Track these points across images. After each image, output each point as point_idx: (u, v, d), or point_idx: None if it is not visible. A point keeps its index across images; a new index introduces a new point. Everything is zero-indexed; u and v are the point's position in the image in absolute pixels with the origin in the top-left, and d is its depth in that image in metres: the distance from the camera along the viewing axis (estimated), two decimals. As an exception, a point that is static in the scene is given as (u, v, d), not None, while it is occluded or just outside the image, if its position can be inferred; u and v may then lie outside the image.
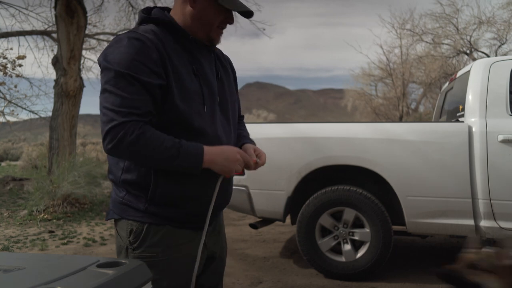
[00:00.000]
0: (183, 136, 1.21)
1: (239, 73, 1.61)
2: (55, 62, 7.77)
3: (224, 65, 1.45)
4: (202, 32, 1.29)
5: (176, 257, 1.28)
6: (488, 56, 13.84)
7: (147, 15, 1.30)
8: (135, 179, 1.26)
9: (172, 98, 1.20)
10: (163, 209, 1.26)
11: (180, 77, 1.22)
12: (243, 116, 1.65)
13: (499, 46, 14.12)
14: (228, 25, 1.33)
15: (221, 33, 1.33)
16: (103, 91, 1.16)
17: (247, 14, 1.28)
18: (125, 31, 1.31)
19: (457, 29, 14.74)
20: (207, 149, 1.21)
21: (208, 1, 1.25)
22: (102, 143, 1.16)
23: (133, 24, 11.25)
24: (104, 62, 1.17)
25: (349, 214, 3.15)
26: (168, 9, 1.36)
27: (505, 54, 13.79)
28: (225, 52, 1.54)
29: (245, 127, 1.61)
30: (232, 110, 1.40)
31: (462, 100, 3.19)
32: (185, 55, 1.27)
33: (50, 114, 8.09)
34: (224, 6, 1.24)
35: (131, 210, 1.28)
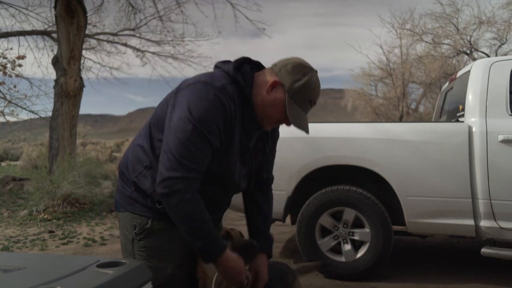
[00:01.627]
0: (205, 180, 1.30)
1: None
2: (55, 62, 7.77)
3: (266, 137, 1.52)
4: (259, 114, 1.36)
5: (178, 247, 1.36)
6: (488, 56, 13.83)
7: (236, 72, 1.33)
8: (146, 189, 1.34)
9: (216, 159, 1.30)
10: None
11: (231, 146, 1.32)
12: (272, 179, 1.68)
13: (499, 46, 14.12)
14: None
15: (275, 126, 1.45)
16: (176, 137, 1.21)
17: (302, 130, 1.38)
18: (212, 78, 1.30)
19: (457, 29, 14.74)
20: (226, 255, 1.29)
21: (280, 100, 1.32)
22: (157, 183, 1.23)
23: (133, 24, 11.24)
24: (188, 114, 1.22)
25: (349, 214, 3.15)
26: (260, 65, 1.42)
27: (505, 54, 13.79)
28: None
29: (269, 202, 1.65)
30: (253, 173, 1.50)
31: (462, 100, 3.19)
32: (241, 124, 1.35)
33: (50, 114, 8.09)
34: (296, 127, 1.35)
35: (137, 205, 1.36)
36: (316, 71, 1.38)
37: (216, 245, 1.26)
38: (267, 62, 1.49)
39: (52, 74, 12.34)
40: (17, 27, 9.75)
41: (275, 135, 1.59)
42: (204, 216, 1.25)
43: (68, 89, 7.54)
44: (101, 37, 12.04)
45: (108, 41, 12.26)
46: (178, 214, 1.24)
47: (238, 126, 1.33)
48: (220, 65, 1.37)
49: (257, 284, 1.46)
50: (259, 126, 1.40)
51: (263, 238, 1.56)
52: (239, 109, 1.31)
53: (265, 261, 1.51)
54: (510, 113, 2.90)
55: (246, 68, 1.36)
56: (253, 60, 1.42)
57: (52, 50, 10.65)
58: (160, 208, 1.32)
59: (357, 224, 3.17)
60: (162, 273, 1.33)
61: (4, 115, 9.36)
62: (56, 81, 7.71)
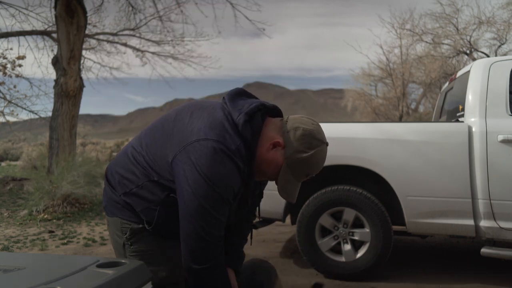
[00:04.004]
0: None
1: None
2: (55, 62, 7.77)
3: (258, 185, 1.52)
4: (256, 169, 1.32)
5: (171, 247, 1.35)
6: (488, 56, 13.83)
7: (249, 131, 1.26)
8: (134, 205, 1.34)
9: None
10: None
11: (234, 201, 1.32)
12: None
13: (499, 46, 14.11)
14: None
15: (263, 180, 1.47)
16: (203, 207, 1.18)
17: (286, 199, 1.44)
18: (225, 137, 1.22)
19: (457, 29, 14.73)
20: None
21: (277, 163, 1.29)
22: (187, 256, 1.21)
23: (132, 24, 11.24)
24: (208, 180, 1.17)
25: (349, 214, 3.15)
26: (277, 112, 1.39)
27: (505, 54, 13.79)
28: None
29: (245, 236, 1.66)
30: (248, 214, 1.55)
31: (462, 100, 3.19)
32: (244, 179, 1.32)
33: (50, 114, 8.09)
34: (287, 200, 1.39)
35: (125, 211, 1.35)
36: (327, 144, 1.33)
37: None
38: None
39: (52, 74, 12.36)
40: (17, 27, 9.75)
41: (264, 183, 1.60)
42: (227, 280, 1.29)
43: (68, 89, 7.54)
44: (101, 37, 12.04)
45: (108, 41, 12.26)
46: (208, 283, 1.24)
47: (243, 184, 1.33)
48: (230, 106, 1.28)
49: None
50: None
51: (236, 259, 1.57)
52: (246, 165, 1.28)
53: (234, 276, 1.51)
54: (510, 113, 2.90)
55: (258, 119, 1.29)
56: (268, 105, 1.35)
57: (52, 50, 10.66)
58: (147, 228, 1.33)
59: (357, 224, 3.17)
60: (157, 276, 1.32)
61: (4, 115, 9.35)
62: (56, 81, 7.71)
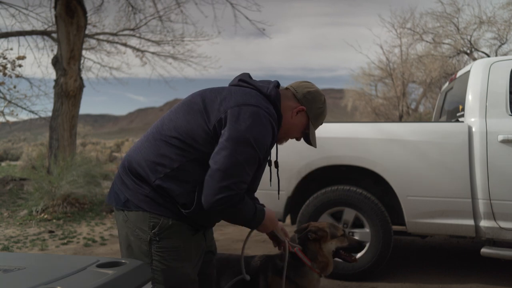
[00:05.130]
0: None
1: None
2: (55, 62, 7.77)
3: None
4: (280, 134, 1.52)
5: (194, 246, 1.41)
6: (488, 56, 13.83)
7: (274, 97, 1.46)
8: (171, 190, 1.34)
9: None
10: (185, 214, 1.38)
11: (264, 162, 1.46)
12: None
13: (500, 46, 14.11)
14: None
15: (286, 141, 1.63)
16: (236, 158, 1.29)
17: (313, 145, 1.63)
18: (260, 102, 1.41)
19: (458, 28, 14.73)
20: (267, 213, 1.52)
21: (303, 124, 1.54)
22: (210, 196, 1.28)
23: (132, 24, 11.25)
24: (249, 138, 1.30)
25: (349, 214, 3.15)
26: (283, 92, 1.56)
27: (505, 54, 13.79)
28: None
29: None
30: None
31: (462, 100, 3.19)
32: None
33: (50, 114, 8.10)
34: (311, 145, 1.60)
35: (155, 205, 1.34)
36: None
37: (260, 213, 1.43)
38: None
39: (52, 74, 12.38)
40: (17, 27, 9.76)
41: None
42: (249, 206, 1.39)
43: (68, 89, 7.54)
44: (101, 37, 12.04)
45: (108, 41, 12.26)
46: (234, 217, 1.39)
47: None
48: (258, 86, 1.47)
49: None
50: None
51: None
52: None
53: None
54: (510, 113, 2.90)
55: (277, 91, 1.48)
56: (279, 83, 1.56)
57: (52, 50, 10.66)
58: (184, 213, 1.35)
59: (357, 224, 3.17)
60: (180, 273, 1.35)
61: (4, 115, 9.35)
62: (56, 81, 7.71)
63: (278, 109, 1.45)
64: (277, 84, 1.53)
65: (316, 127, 1.59)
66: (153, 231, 1.33)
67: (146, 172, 1.35)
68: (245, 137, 1.29)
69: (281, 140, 1.59)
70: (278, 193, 1.82)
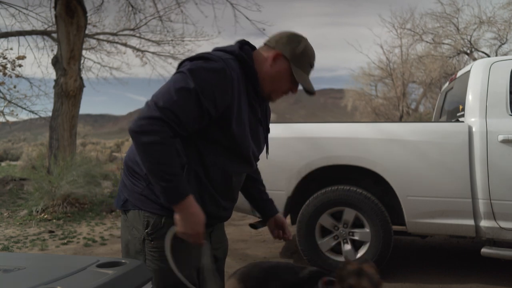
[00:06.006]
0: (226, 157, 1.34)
1: None
2: (55, 62, 7.77)
3: (266, 112, 1.55)
4: (267, 89, 1.39)
5: (191, 247, 1.33)
6: (488, 56, 13.83)
7: (239, 51, 1.36)
8: None
9: (231, 134, 1.30)
10: None
11: (240, 118, 1.32)
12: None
13: (500, 46, 14.12)
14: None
15: (281, 97, 1.46)
16: (167, 87, 1.22)
17: (310, 92, 1.42)
18: (217, 52, 1.33)
19: (458, 28, 14.74)
20: (190, 200, 1.24)
21: (285, 69, 1.37)
22: (133, 121, 1.21)
23: (132, 24, 11.25)
24: (187, 72, 1.22)
25: (349, 214, 3.15)
26: (252, 46, 1.45)
27: (505, 54, 13.79)
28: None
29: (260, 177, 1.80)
30: (258, 149, 1.52)
31: (462, 100, 3.19)
32: (247, 100, 1.36)
33: (50, 114, 8.09)
34: (306, 89, 1.39)
35: (149, 203, 1.32)
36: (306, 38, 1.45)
37: (182, 188, 1.22)
38: None
39: (52, 74, 12.37)
40: (17, 27, 9.77)
41: (268, 113, 1.60)
42: (173, 159, 1.22)
43: (68, 89, 7.54)
44: (101, 37, 12.05)
45: (108, 41, 12.27)
46: (147, 154, 1.20)
47: (244, 100, 1.33)
48: (222, 48, 1.39)
49: (286, 232, 1.69)
50: (263, 101, 1.43)
51: (269, 203, 1.74)
52: (242, 83, 1.32)
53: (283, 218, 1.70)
54: (510, 113, 2.90)
55: (247, 48, 1.40)
56: (250, 42, 1.46)
57: (52, 50, 10.67)
58: None
59: (357, 224, 3.17)
60: (174, 275, 1.28)
61: (4, 115, 9.36)
62: (56, 81, 7.71)
63: (248, 64, 1.35)
64: (242, 41, 1.42)
65: (304, 70, 1.41)
66: (146, 231, 1.31)
67: (139, 166, 1.34)
68: (182, 72, 1.23)
69: (271, 95, 1.43)
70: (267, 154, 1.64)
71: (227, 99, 1.26)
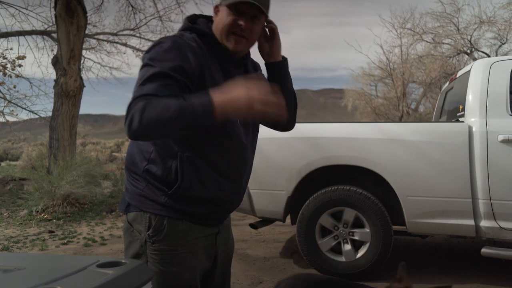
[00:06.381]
0: (209, 142, 1.25)
1: None
2: (55, 62, 7.77)
3: (249, 72, 1.43)
4: (221, 40, 1.28)
5: (194, 250, 1.30)
6: (488, 56, 13.83)
7: (192, 24, 1.31)
8: (160, 173, 1.26)
9: None
10: (182, 205, 1.27)
11: (214, 86, 1.20)
12: None
13: (500, 46, 14.13)
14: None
15: (237, 40, 1.26)
16: (137, 82, 1.17)
17: (252, 5, 1.22)
18: (177, 32, 1.31)
19: (458, 28, 14.74)
20: (221, 93, 1.09)
21: (223, 7, 1.27)
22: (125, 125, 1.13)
23: (133, 24, 11.25)
24: (145, 60, 1.19)
25: (349, 214, 3.15)
26: (212, 20, 1.36)
27: (505, 54, 13.79)
28: None
29: None
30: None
31: (462, 100, 3.19)
32: (221, 70, 1.28)
33: (50, 114, 8.10)
34: (229, 6, 1.23)
35: (150, 203, 1.28)
36: None
37: (203, 101, 1.07)
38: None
39: (52, 74, 12.36)
40: (17, 27, 9.77)
41: (257, 68, 1.50)
42: (169, 102, 1.08)
43: (68, 89, 7.54)
44: (101, 37, 12.05)
45: (108, 41, 12.27)
46: (152, 123, 1.08)
47: (215, 67, 1.25)
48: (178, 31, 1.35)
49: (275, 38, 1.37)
50: (240, 63, 1.34)
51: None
52: (206, 50, 1.25)
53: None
54: (510, 113, 2.90)
55: (200, 19, 1.34)
56: (208, 16, 1.38)
57: (52, 50, 10.67)
58: (174, 203, 1.26)
59: (357, 224, 3.17)
60: (177, 278, 1.27)
61: (4, 115, 9.36)
62: (56, 81, 7.71)
63: (199, 29, 1.29)
64: (193, 15, 1.36)
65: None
66: (147, 232, 1.28)
67: (136, 166, 1.31)
68: (147, 64, 1.18)
69: (225, 41, 1.27)
70: None
71: (194, 62, 1.19)
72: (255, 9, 1.23)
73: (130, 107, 1.12)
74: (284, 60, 1.41)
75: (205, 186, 1.27)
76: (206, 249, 1.36)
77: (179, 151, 1.24)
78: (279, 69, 1.40)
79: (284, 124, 1.51)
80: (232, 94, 1.07)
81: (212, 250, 1.39)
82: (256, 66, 1.49)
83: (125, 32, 11.85)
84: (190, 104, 1.07)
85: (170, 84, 1.14)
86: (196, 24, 1.32)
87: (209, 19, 1.35)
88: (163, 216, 1.27)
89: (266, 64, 1.40)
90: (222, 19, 1.26)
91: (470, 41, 14.43)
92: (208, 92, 1.09)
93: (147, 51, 1.22)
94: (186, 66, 1.18)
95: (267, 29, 1.36)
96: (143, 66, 1.20)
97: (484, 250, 2.84)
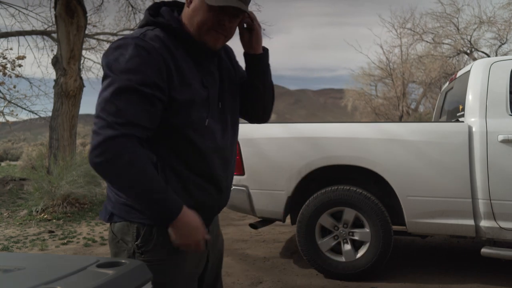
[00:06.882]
0: (183, 144, 1.19)
1: None
2: (55, 62, 7.77)
3: (227, 66, 1.37)
4: (197, 35, 1.19)
5: (184, 258, 1.25)
6: (488, 56, 13.84)
7: (154, 18, 1.21)
8: None
9: (182, 110, 1.16)
10: None
11: (190, 89, 1.16)
12: None
13: (500, 46, 14.14)
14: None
15: (218, 36, 1.20)
16: (101, 98, 1.09)
17: (238, 9, 1.16)
18: (131, 34, 1.18)
19: (458, 28, 14.74)
20: (185, 211, 1.14)
21: (199, 4, 1.17)
22: (89, 153, 1.08)
23: (133, 24, 11.25)
24: (107, 70, 1.11)
25: (349, 214, 3.15)
26: (179, 5, 1.27)
27: (505, 54, 13.79)
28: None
29: None
30: (231, 113, 1.35)
31: (462, 100, 3.19)
32: (193, 63, 1.20)
33: (50, 114, 8.10)
34: (212, 4, 1.13)
35: (135, 213, 1.22)
36: None
37: (174, 203, 1.12)
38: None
39: (52, 74, 12.38)
40: (17, 27, 9.78)
41: (231, 57, 1.41)
42: (152, 172, 1.10)
43: (68, 89, 7.54)
44: (101, 37, 12.07)
45: (108, 41, 12.27)
46: (123, 182, 1.09)
47: (185, 62, 1.18)
48: (140, 25, 1.24)
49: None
50: (213, 55, 1.26)
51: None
52: (173, 46, 1.17)
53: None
54: (510, 113, 2.90)
55: (163, 9, 1.24)
56: (172, 2, 1.29)
57: (52, 50, 10.67)
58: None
59: (357, 224, 3.17)
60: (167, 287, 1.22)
61: (4, 115, 9.37)
62: (56, 81, 7.71)
63: (163, 23, 1.19)
64: (153, 4, 1.26)
65: None
66: (136, 243, 1.22)
67: None
68: (108, 75, 1.10)
69: (203, 38, 1.19)
70: None
71: (160, 68, 1.11)
72: (238, 9, 1.17)
73: (113, 138, 1.05)
74: (265, 52, 1.34)
75: (190, 193, 1.22)
76: (198, 253, 1.30)
77: (159, 161, 1.18)
78: (259, 62, 1.34)
79: (260, 116, 1.47)
80: (192, 225, 1.16)
81: (204, 253, 1.34)
82: (229, 52, 1.41)
83: (125, 32, 11.85)
84: (163, 197, 1.11)
85: (140, 100, 1.09)
86: (160, 17, 1.22)
87: (173, 6, 1.27)
88: (152, 225, 1.21)
89: (245, 55, 1.33)
90: (200, 14, 1.17)
91: (470, 41, 14.44)
92: (181, 205, 1.13)
93: (107, 55, 1.13)
94: (155, 76, 1.10)
95: (244, 24, 1.28)
96: (106, 76, 1.11)
97: (484, 250, 2.84)
